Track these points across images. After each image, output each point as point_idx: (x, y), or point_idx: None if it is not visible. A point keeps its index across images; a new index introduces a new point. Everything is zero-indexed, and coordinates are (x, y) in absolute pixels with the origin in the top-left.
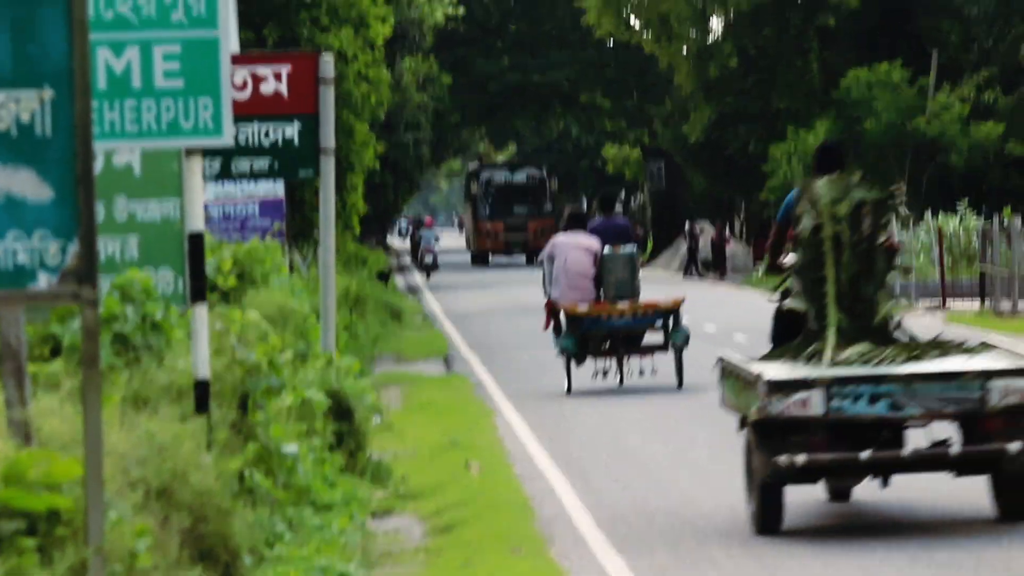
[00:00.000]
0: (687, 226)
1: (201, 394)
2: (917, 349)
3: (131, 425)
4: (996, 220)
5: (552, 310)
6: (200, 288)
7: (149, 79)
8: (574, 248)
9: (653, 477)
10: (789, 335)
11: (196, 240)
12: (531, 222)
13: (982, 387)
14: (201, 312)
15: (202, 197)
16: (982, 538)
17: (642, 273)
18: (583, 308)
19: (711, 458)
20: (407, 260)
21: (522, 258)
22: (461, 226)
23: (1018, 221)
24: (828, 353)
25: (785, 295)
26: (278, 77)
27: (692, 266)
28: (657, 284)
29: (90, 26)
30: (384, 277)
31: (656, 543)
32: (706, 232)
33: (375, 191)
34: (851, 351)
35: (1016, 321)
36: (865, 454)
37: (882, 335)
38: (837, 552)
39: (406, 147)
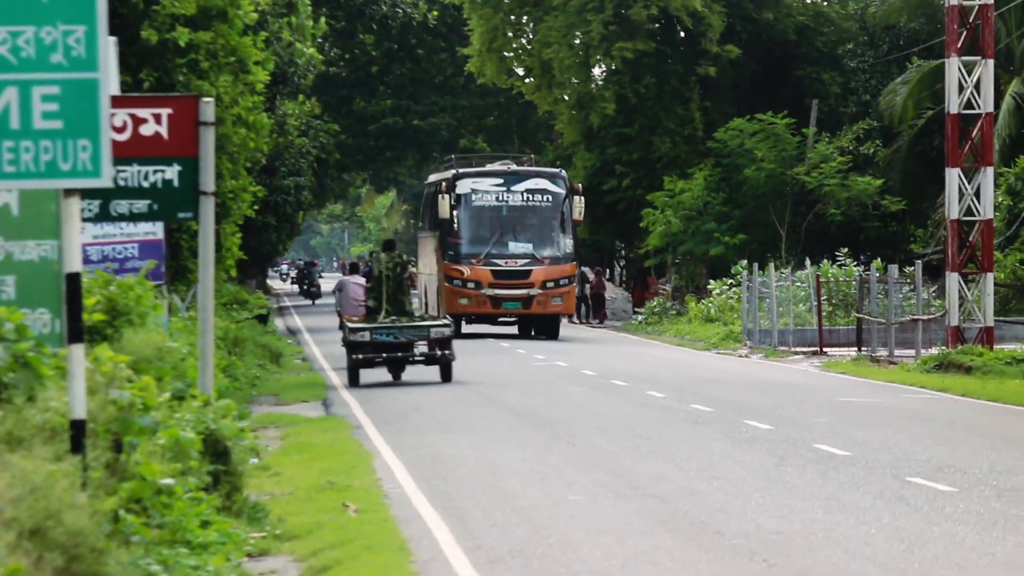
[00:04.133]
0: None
1: (76, 434)
2: (417, 319)
3: (4, 465)
4: (873, 269)
5: (344, 321)
6: (77, 328)
7: (28, 120)
8: (354, 284)
9: (531, 520)
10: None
11: (73, 281)
12: (538, 269)
13: (428, 331)
14: (78, 352)
15: (80, 238)
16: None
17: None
18: (357, 318)
19: (589, 502)
20: (287, 302)
21: (514, 328)
22: (344, 269)
23: (895, 270)
24: (380, 319)
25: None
26: (158, 119)
27: (586, 310)
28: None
29: None
30: (263, 319)
31: None
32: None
33: (256, 233)
34: (388, 320)
35: (891, 369)
36: (382, 355)
37: (406, 315)
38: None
39: (287, 190)
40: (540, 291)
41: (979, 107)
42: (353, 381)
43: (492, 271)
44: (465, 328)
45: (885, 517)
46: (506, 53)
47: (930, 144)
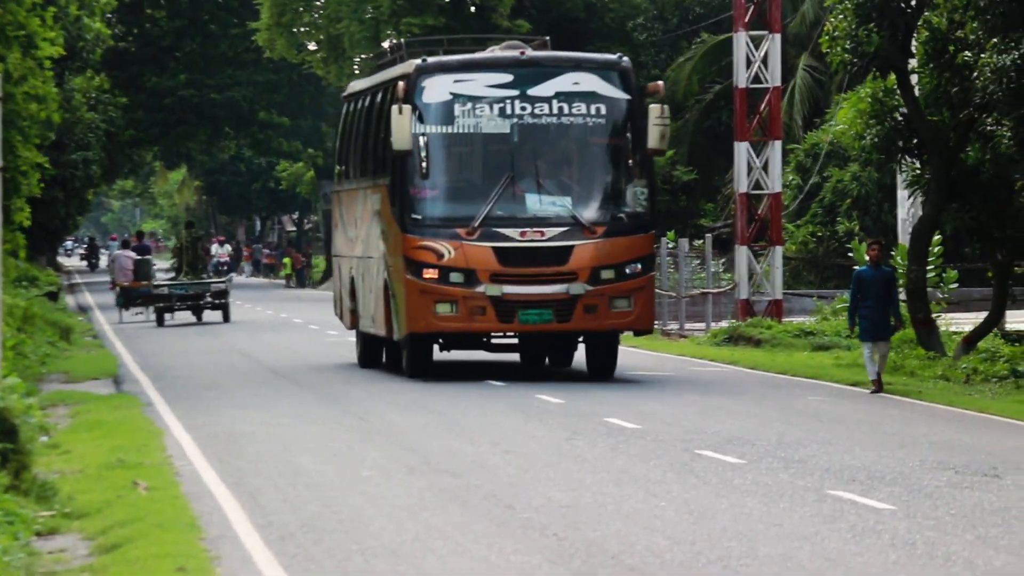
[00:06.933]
0: None
1: None
2: (205, 278)
3: None
4: (663, 243)
5: (116, 285)
6: None
7: None
8: (124, 257)
9: (323, 496)
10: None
11: None
12: (584, 245)
13: (209, 286)
14: None
15: None
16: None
17: (313, 293)
18: (126, 283)
19: (382, 477)
20: (78, 279)
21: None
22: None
23: (685, 244)
24: (179, 279)
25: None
26: None
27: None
28: (326, 304)
29: None
30: (53, 296)
31: (324, 561)
32: None
33: (44, 209)
34: (185, 278)
35: (682, 342)
36: (162, 304)
37: (199, 275)
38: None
39: (75, 165)
40: (590, 287)
41: (767, 81)
42: (160, 322)
43: (496, 250)
44: (437, 354)
45: (675, 490)
46: (297, 29)
47: (718, 119)
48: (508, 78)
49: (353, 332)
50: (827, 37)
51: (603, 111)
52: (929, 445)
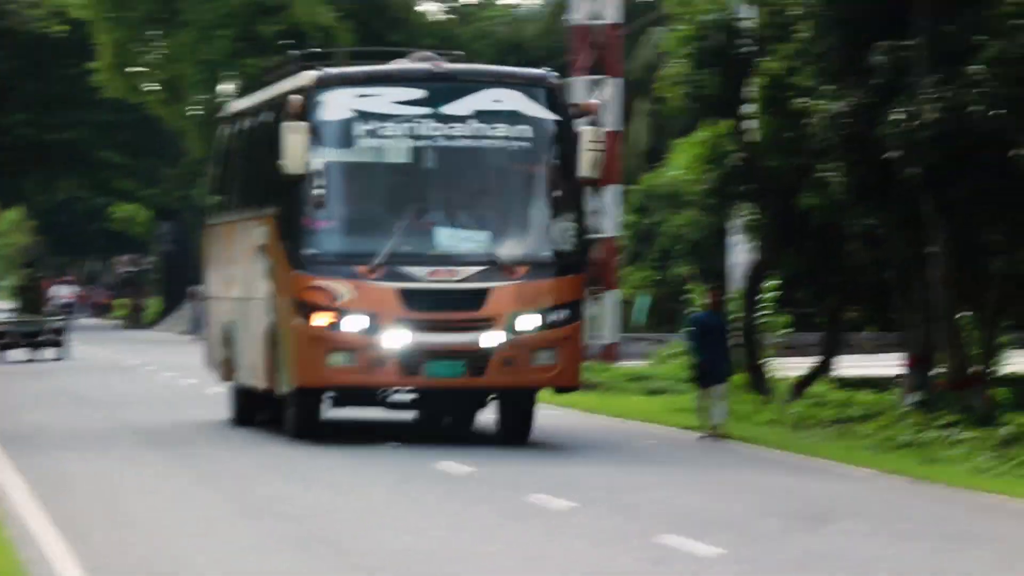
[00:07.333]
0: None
1: None
2: (38, 314)
3: None
4: None
5: None
6: None
7: None
8: None
9: (153, 540)
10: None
11: None
12: (502, 288)
13: (45, 323)
14: None
15: None
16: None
17: (148, 335)
18: None
19: (214, 521)
20: None
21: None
22: None
23: None
24: (19, 316)
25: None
26: None
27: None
28: (161, 345)
29: None
30: None
31: None
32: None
33: None
34: (25, 316)
35: None
36: (18, 340)
37: (38, 314)
38: None
39: None
40: (508, 337)
41: (605, 125)
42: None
43: (401, 292)
44: (330, 412)
45: (507, 534)
46: (135, 68)
47: None
48: (419, 94)
49: (214, 380)
50: (665, 82)
51: (527, 133)
52: (759, 490)
